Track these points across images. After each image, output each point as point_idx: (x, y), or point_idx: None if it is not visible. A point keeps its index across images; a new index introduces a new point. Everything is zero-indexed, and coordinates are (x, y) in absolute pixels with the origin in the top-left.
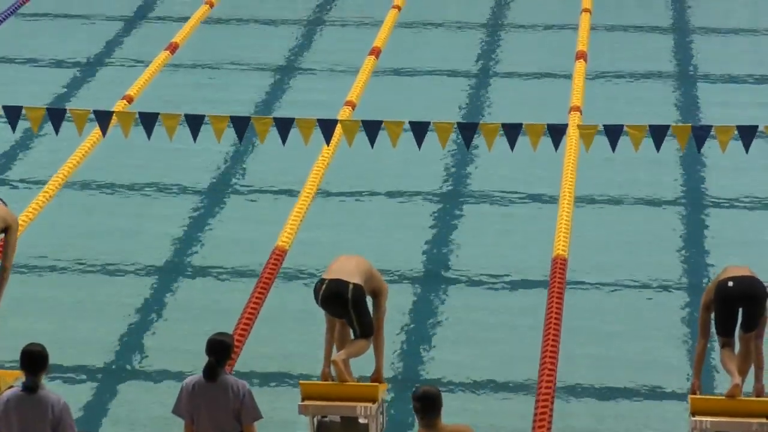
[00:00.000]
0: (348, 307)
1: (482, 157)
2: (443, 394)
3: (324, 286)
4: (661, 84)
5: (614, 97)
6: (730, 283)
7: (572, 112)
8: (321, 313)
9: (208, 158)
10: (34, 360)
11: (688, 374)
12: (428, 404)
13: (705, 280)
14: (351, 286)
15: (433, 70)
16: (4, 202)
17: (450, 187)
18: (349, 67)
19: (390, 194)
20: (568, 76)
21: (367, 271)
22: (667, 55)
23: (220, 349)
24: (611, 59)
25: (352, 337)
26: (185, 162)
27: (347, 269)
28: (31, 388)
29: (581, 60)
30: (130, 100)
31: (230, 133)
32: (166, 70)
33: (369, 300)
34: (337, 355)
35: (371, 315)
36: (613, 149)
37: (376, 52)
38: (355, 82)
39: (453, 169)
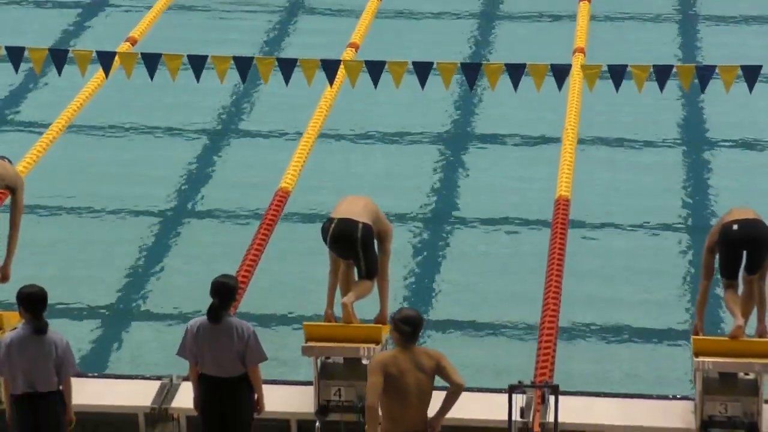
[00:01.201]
0: (357, 246)
1: (485, 99)
2: (446, 335)
3: (333, 225)
4: (665, 26)
5: (618, 39)
6: (735, 227)
7: (576, 54)
8: (325, 254)
9: (211, 100)
10: (36, 301)
11: (691, 315)
12: (418, 327)
13: (708, 222)
14: (360, 225)
15: (437, 12)
16: (9, 161)
17: (453, 129)
18: (352, 8)
19: (393, 136)
20: (572, 18)
21: (374, 211)
22: None
23: (224, 291)
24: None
25: (356, 278)
26: (188, 104)
27: (356, 209)
28: (39, 329)
29: (585, 1)
30: (133, 42)
31: (233, 75)
32: (169, 12)
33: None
34: (346, 298)
35: (377, 256)
36: (617, 89)
37: None
38: (358, 23)
39: (456, 111)
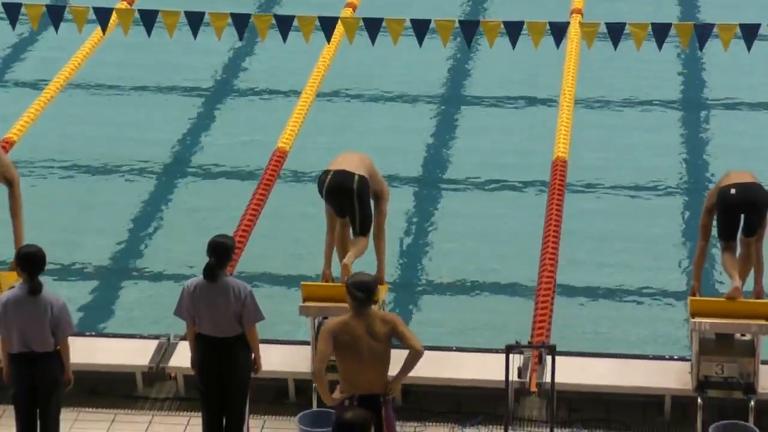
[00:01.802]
0: (353, 198)
1: (483, 59)
2: (444, 295)
3: (329, 177)
4: None
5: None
6: (733, 191)
7: (573, 15)
8: (322, 214)
9: (208, 58)
10: (33, 261)
11: (688, 276)
12: (369, 294)
13: (706, 182)
14: (356, 177)
15: None
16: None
17: (450, 89)
18: None
19: (390, 95)
20: None
21: (370, 166)
22: None
23: (221, 250)
24: None
25: (352, 236)
26: (185, 62)
27: (352, 163)
28: (34, 289)
29: None
30: (130, 2)
31: (231, 33)
32: None
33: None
34: (346, 258)
35: (373, 212)
36: (615, 47)
37: None
38: None
39: (453, 72)
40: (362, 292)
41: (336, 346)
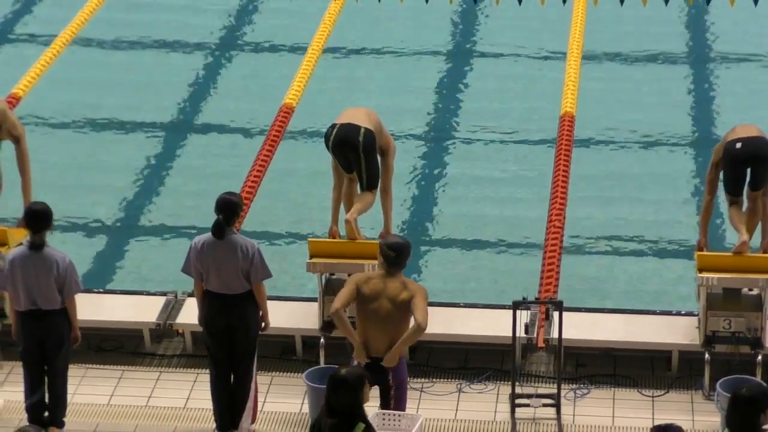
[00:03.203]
0: (359, 150)
1: (490, 15)
2: (451, 251)
3: (335, 130)
4: None
5: None
6: (738, 144)
7: None
8: (329, 170)
9: (213, 15)
10: (37, 218)
11: (695, 231)
12: (400, 256)
13: (712, 137)
14: (362, 130)
15: None
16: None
17: (457, 46)
18: None
19: (397, 52)
20: None
21: (377, 121)
22: None
23: (229, 207)
24: None
25: (359, 191)
26: (191, 18)
27: (359, 116)
28: (35, 245)
29: None
30: None
31: None
32: None
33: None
34: (349, 214)
35: (379, 166)
36: (621, 2)
37: None
38: None
39: (460, 28)
40: (393, 251)
41: (357, 298)
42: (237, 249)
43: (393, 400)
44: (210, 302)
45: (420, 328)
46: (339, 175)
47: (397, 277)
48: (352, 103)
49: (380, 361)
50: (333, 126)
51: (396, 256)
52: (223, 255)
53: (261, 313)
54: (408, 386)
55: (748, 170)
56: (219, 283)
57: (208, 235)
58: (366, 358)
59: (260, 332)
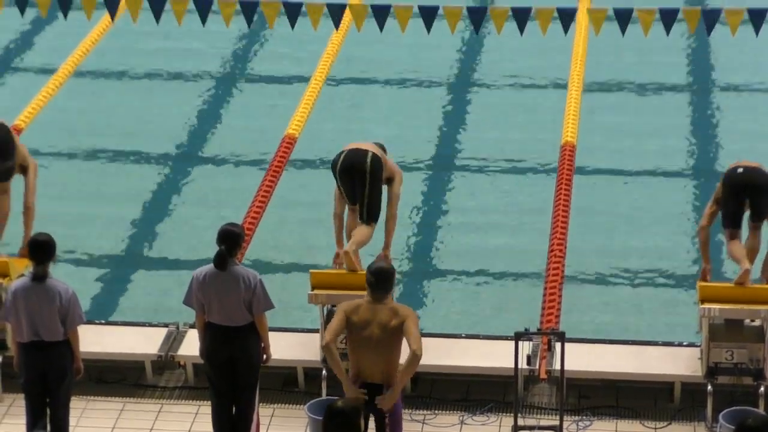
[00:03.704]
0: (365, 175)
1: (491, 44)
2: (453, 282)
3: (343, 156)
4: None
5: None
6: (740, 170)
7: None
8: (332, 201)
9: (217, 45)
10: (41, 249)
11: (695, 261)
12: (382, 280)
13: (713, 166)
14: (370, 155)
15: None
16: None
17: (458, 75)
18: None
19: (399, 82)
20: None
21: (383, 150)
22: None
23: (231, 238)
24: None
25: (359, 220)
26: (194, 49)
27: (366, 144)
28: (38, 276)
29: None
30: None
31: (239, 20)
32: None
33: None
34: (348, 246)
35: (383, 198)
36: (623, 33)
37: None
38: None
39: (462, 57)
40: (373, 275)
41: (348, 327)
42: (239, 280)
43: (388, 428)
44: (212, 334)
45: (416, 356)
46: (341, 204)
47: (386, 303)
48: (354, 132)
49: (374, 387)
50: (340, 153)
51: (376, 281)
52: (225, 286)
53: (263, 344)
54: (408, 417)
55: (748, 201)
56: (221, 314)
57: (210, 266)
58: (357, 389)
59: (262, 364)
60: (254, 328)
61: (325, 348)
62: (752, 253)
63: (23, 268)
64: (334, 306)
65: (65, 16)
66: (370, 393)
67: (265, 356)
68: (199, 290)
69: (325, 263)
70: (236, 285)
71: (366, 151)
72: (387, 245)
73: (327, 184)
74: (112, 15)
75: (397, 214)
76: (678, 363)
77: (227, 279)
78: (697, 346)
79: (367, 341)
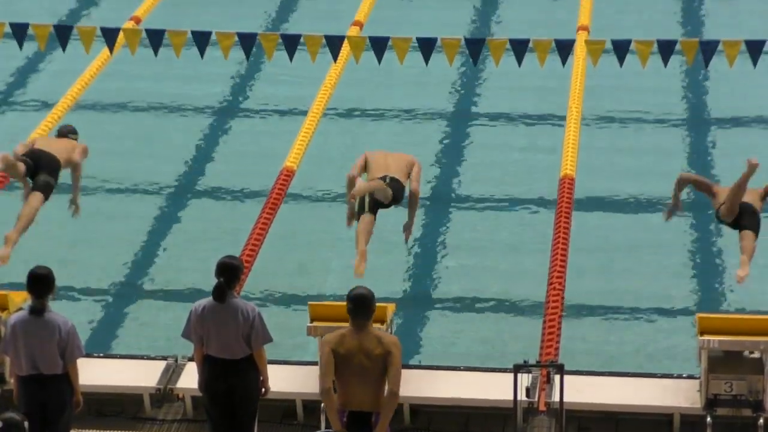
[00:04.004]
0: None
1: (489, 76)
2: (452, 314)
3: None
4: (668, 2)
5: (621, 15)
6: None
7: (580, 32)
8: (330, 233)
9: (215, 77)
10: (40, 282)
11: (696, 295)
12: (360, 306)
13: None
14: (390, 186)
15: None
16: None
17: (456, 107)
18: None
19: (397, 114)
20: None
21: (402, 164)
22: None
23: (230, 271)
24: None
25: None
26: (192, 82)
27: (388, 165)
28: (37, 310)
29: None
30: (137, 21)
31: (237, 53)
32: None
33: None
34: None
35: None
36: (621, 64)
37: None
38: (362, 2)
39: (460, 89)
40: (352, 302)
41: (336, 360)
42: (238, 313)
43: None
44: (210, 367)
45: (393, 394)
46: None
47: (369, 331)
48: (350, 166)
49: (362, 416)
50: (384, 177)
51: (355, 308)
52: (224, 319)
53: (261, 377)
54: None
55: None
56: (220, 347)
57: (209, 299)
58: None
59: (260, 397)
60: (253, 360)
61: (325, 394)
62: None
63: (21, 301)
64: None
65: (64, 49)
66: (359, 423)
67: (263, 389)
68: (197, 323)
69: (323, 295)
70: (235, 318)
71: (403, 187)
72: (410, 220)
73: (325, 217)
74: (111, 48)
75: (419, 188)
76: (677, 395)
77: (226, 311)
78: (696, 377)
79: (355, 371)
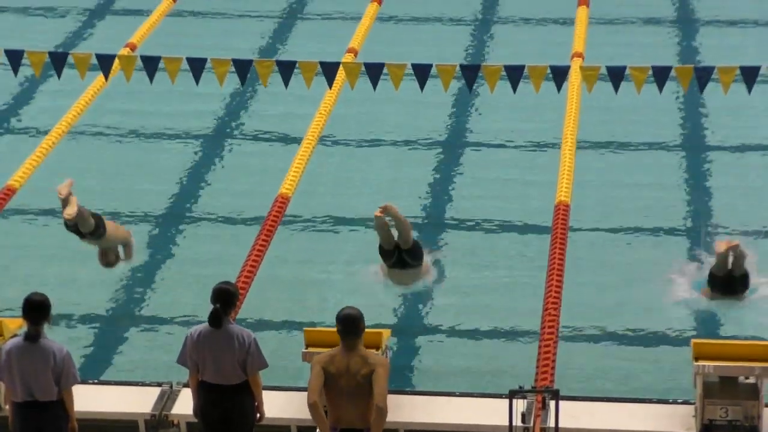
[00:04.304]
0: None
1: (484, 103)
2: (447, 340)
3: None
4: (663, 29)
5: (616, 41)
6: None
7: (574, 59)
8: (324, 260)
9: (210, 104)
10: (35, 309)
11: (691, 319)
12: (349, 326)
13: (706, 225)
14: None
15: (437, 16)
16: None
17: (452, 133)
18: (351, 13)
19: (392, 140)
20: (571, 22)
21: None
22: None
23: (225, 297)
24: (614, 4)
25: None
26: (188, 108)
27: None
28: (32, 336)
29: (584, 6)
30: (133, 48)
31: (233, 79)
32: (168, 19)
33: None
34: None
35: None
36: (616, 91)
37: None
38: (357, 28)
39: (455, 116)
40: (341, 323)
41: (325, 379)
42: (233, 339)
43: None
44: (205, 393)
45: (379, 409)
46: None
47: (358, 351)
48: (347, 191)
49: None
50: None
51: (343, 328)
52: (219, 345)
53: (256, 403)
54: None
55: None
56: (215, 373)
57: (205, 325)
58: None
59: (255, 423)
60: (248, 386)
61: (312, 406)
62: None
63: (16, 327)
64: None
65: (59, 75)
66: None
67: (258, 415)
68: (193, 349)
69: (318, 321)
70: (230, 344)
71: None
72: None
73: (318, 246)
74: (106, 75)
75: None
76: (673, 420)
77: (222, 337)
78: (691, 403)
79: (344, 390)
